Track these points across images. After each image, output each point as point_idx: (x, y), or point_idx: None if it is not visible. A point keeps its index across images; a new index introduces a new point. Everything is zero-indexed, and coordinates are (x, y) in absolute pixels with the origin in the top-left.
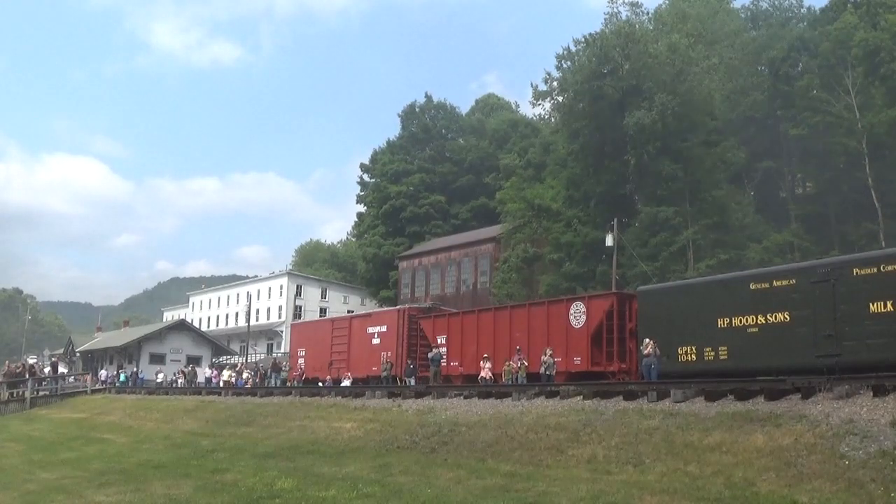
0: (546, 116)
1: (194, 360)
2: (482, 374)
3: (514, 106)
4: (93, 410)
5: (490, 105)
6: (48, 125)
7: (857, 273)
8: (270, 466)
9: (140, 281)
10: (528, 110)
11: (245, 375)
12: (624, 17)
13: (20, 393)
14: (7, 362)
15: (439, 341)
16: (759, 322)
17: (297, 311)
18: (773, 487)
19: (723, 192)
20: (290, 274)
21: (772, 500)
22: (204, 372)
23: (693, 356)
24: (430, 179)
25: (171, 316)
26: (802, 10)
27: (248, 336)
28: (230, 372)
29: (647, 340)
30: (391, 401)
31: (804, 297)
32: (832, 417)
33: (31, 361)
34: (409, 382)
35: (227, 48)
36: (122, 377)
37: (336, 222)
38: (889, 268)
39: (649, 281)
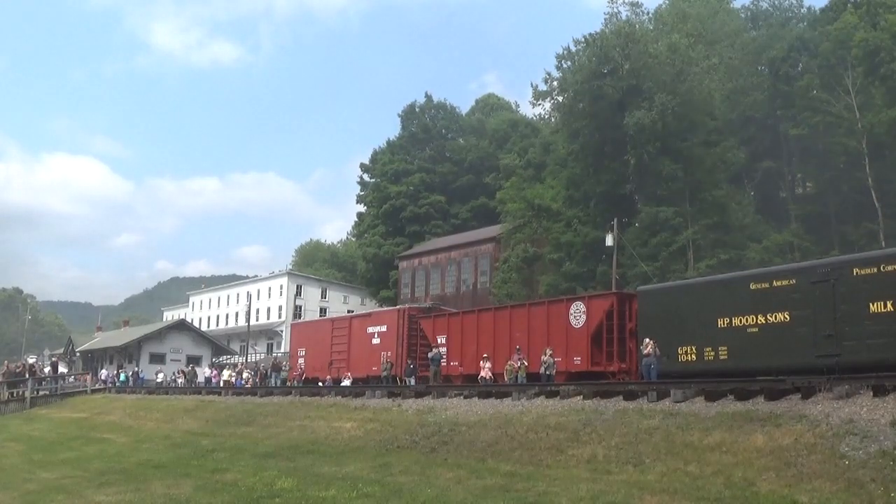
0: (546, 116)
1: (194, 360)
2: (482, 374)
3: (514, 106)
4: (93, 410)
5: (490, 105)
6: (48, 125)
7: (857, 273)
8: (270, 466)
9: (140, 281)
10: (528, 110)
11: (245, 375)
12: (624, 17)
13: (20, 393)
14: (7, 362)
15: (439, 341)
16: (759, 322)
17: (297, 311)
18: (773, 487)
19: (723, 192)
20: (290, 274)
21: (772, 500)
22: (204, 372)
23: (693, 356)
24: (430, 179)
25: (171, 316)
26: (802, 10)
27: (248, 336)
28: (230, 372)
29: (647, 340)
30: (391, 401)
31: (804, 297)
32: (832, 417)
33: (31, 361)
34: (409, 382)
35: (226, 48)
36: (122, 377)
37: (336, 222)
38: (889, 268)
39: (649, 281)
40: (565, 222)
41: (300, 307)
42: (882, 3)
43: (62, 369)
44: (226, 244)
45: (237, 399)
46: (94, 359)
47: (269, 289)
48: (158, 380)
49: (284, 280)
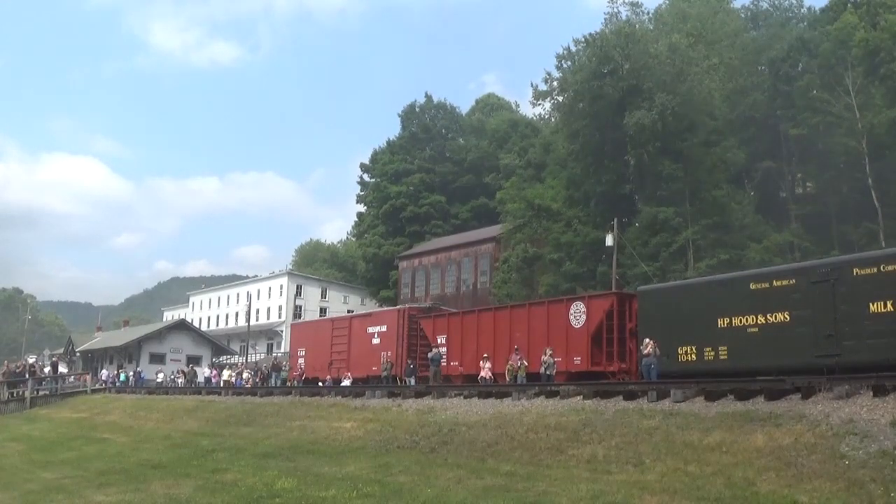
0: (546, 116)
1: (194, 360)
2: (482, 374)
3: (514, 106)
4: (93, 410)
5: (490, 105)
6: (48, 125)
7: (857, 273)
8: (270, 466)
9: (140, 281)
10: (528, 110)
11: (245, 375)
12: (624, 17)
13: (20, 393)
14: (7, 362)
15: (439, 341)
16: (759, 322)
17: (297, 311)
18: (773, 487)
19: (723, 192)
20: (290, 274)
21: (772, 500)
22: (204, 372)
23: (693, 356)
24: (430, 179)
25: (171, 316)
26: (802, 10)
27: (248, 336)
28: (230, 372)
29: (647, 340)
30: (391, 401)
31: (804, 297)
32: (832, 417)
33: (31, 361)
34: (409, 382)
35: (225, 48)
36: (122, 377)
37: (336, 222)
38: (889, 268)
39: (649, 281)
40: (565, 222)
41: (300, 307)
42: (882, 3)
43: (62, 369)
44: (226, 244)
45: (237, 399)
46: (94, 359)
47: (269, 289)
48: (158, 380)
49: (284, 280)
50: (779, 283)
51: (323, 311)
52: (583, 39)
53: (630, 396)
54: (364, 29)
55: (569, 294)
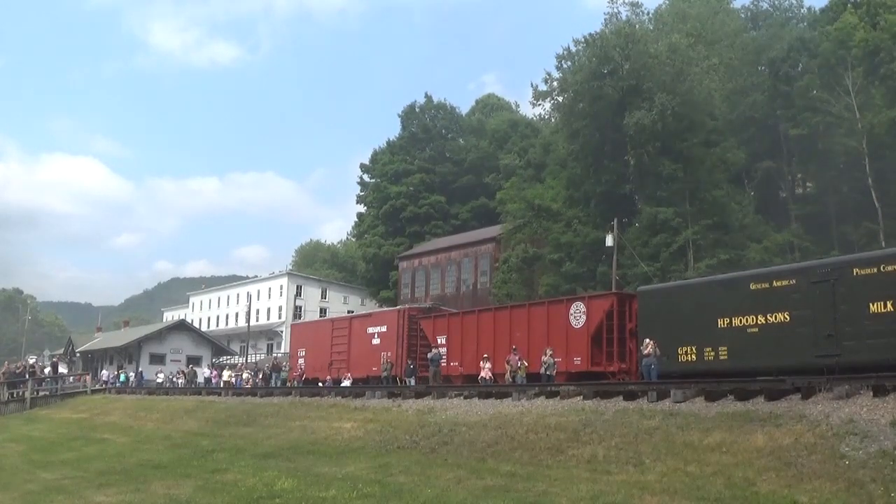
0: (546, 116)
1: (194, 361)
2: (482, 374)
3: (514, 106)
4: (93, 411)
5: (490, 105)
6: (48, 125)
7: (857, 273)
8: (270, 466)
9: (140, 281)
10: (528, 110)
11: (245, 376)
12: (624, 17)
13: (20, 393)
14: (7, 362)
15: (439, 341)
16: (759, 322)
17: (297, 312)
18: (773, 487)
19: (723, 192)
20: (290, 274)
21: (772, 500)
22: (204, 372)
23: (693, 356)
24: (430, 179)
25: (171, 316)
26: (802, 10)
27: (248, 336)
28: (230, 372)
29: (647, 340)
30: (391, 401)
31: (804, 297)
32: (832, 417)
33: (31, 361)
34: (409, 382)
35: (225, 48)
36: (122, 377)
37: (336, 222)
38: (889, 268)
39: (649, 281)
40: (565, 222)
41: (300, 307)
42: (882, 3)
43: (62, 370)
44: (226, 244)
45: (237, 399)
46: (94, 359)
47: (269, 289)
48: (159, 380)
49: (284, 280)
50: (779, 284)
51: (323, 311)
52: (583, 40)
53: (630, 397)
54: (364, 29)
55: (569, 294)
